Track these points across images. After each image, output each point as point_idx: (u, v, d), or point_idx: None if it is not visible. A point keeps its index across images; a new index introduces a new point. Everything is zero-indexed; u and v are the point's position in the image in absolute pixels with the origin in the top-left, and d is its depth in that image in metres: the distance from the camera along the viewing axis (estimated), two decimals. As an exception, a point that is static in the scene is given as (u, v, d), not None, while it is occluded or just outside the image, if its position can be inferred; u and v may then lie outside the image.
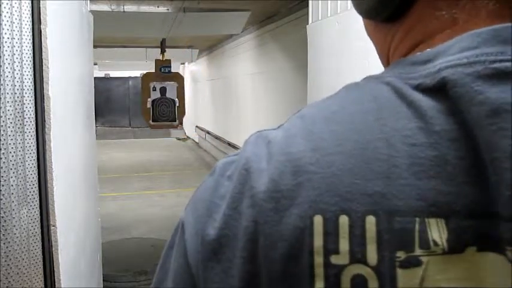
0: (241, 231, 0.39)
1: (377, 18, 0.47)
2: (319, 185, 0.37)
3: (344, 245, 0.35)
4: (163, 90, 11.78)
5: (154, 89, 11.97)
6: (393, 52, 0.47)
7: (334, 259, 0.35)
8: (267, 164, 0.40)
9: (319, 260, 0.36)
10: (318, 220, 0.36)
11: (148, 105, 11.82)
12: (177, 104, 11.67)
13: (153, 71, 10.82)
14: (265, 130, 0.45)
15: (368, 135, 0.37)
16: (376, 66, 0.55)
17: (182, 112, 11.87)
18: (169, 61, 9.96)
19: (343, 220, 0.35)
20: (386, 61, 0.50)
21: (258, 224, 0.38)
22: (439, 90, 0.36)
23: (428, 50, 0.40)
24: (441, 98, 0.36)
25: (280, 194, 0.38)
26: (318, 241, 0.36)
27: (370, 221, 0.35)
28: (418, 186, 0.34)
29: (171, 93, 11.66)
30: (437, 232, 0.34)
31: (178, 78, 11.57)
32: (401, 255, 0.34)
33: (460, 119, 0.35)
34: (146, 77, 11.42)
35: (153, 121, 11.98)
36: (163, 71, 10.91)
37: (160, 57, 9.75)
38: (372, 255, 0.35)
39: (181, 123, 11.52)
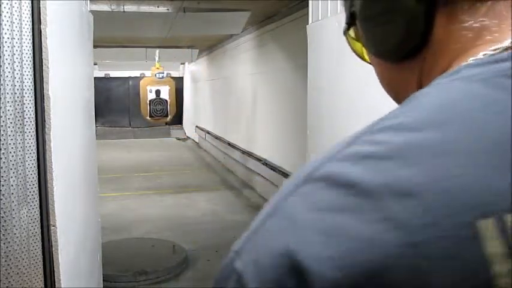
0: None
1: (400, 55, 0.49)
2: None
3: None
4: (158, 92, 15.50)
5: (150, 91, 14.73)
6: (425, 79, 0.48)
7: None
8: None
9: (500, 268, 0.32)
10: (485, 225, 0.33)
11: (146, 104, 15.35)
12: (169, 103, 15.50)
13: (150, 76, 14.79)
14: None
15: (495, 132, 0.36)
16: (376, 66, 0.57)
17: (173, 109, 15.71)
18: (162, 68, 13.89)
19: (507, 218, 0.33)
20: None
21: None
22: None
23: (497, 50, 0.42)
24: None
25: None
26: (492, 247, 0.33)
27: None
28: None
29: (164, 94, 15.51)
30: None
31: (170, 82, 15.61)
32: None
33: None
34: (144, 81, 15.44)
35: (150, 117, 15.67)
36: (158, 76, 14.59)
37: (156, 66, 13.19)
38: None
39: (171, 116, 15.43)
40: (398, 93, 0.53)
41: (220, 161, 10.51)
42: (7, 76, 1.44)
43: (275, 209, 0.37)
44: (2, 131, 1.44)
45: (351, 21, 0.55)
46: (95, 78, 2.89)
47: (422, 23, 0.46)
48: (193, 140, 14.36)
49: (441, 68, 0.46)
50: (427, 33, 0.46)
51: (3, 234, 1.47)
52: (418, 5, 0.45)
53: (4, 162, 1.44)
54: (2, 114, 1.44)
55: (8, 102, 1.45)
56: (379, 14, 0.49)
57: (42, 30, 1.53)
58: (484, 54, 0.42)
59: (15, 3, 1.46)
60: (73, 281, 1.84)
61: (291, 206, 0.36)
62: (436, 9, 0.45)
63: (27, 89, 1.51)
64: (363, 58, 0.60)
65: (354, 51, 0.61)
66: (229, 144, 9.48)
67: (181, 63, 15.85)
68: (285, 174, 6.26)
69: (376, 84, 0.58)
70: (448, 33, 0.45)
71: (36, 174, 1.55)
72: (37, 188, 1.55)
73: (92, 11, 2.58)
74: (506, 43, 0.42)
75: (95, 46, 2.81)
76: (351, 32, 0.57)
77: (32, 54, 1.52)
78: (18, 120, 1.48)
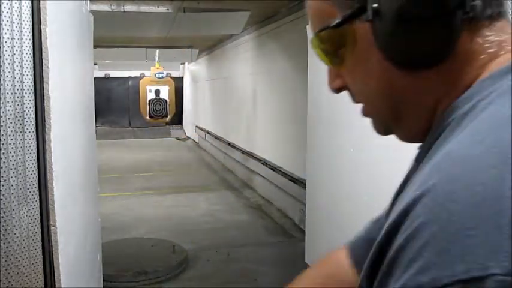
0: None
1: (428, 63, 0.50)
2: None
3: None
4: (157, 92, 15.40)
5: (150, 91, 14.64)
6: (451, 87, 0.50)
7: None
8: None
9: None
10: None
11: (146, 104, 15.30)
12: (169, 103, 15.43)
13: (150, 76, 14.51)
14: None
15: None
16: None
17: (172, 109, 15.58)
18: (162, 68, 13.59)
19: None
20: (430, 105, 0.52)
21: None
22: None
23: None
24: None
25: None
26: None
27: None
28: None
29: (164, 94, 15.41)
30: None
31: (170, 82, 15.43)
32: None
33: None
34: (144, 81, 15.28)
35: (149, 117, 15.56)
36: (158, 76, 14.36)
37: (156, 66, 13.07)
38: None
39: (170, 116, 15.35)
40: (402, 103, 0.53)
41: (220, 161, 10.50)
42: (7, 76, 1.44)
43: None
44: (2, 131, 1.44)
45: (354, 17, 0.52)
46: (95, 78, 2.89)
47: (454, 33, 0.48)
48: (193, 140, 14.36)
49: (470, 76, 0.50)
50: (455, 43, 0.49)
51: (3, 234, 1.47)
52: (454, 17, 0.48)
53: (4, 162, 1.44)
54: (2, 114, 1.44)
55: (8, 102, 1.45)
56: (417, 19, 0.48)
57: (42, 30, 1.53)
58: None
59: (15, 3, 1.46)
60: (73, 281, 1.84)
61: None
62: (464, 23, 0.48)
63: (27, 89, 1.51)
64: (332, 56, 0.57)
65: (323, 47, 0.57)
66: (229, 144, 9.48)
67: (181, 63, 15.85)
68: (285, 174, 6.26)
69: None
70: (474, 46, 0.50)
71: (36, 174, 1.55)
72: (37, 188, 1.55)
73: (92, 11, 2.58)
74: None
75: (95, 46, 2.81)
76: (345, 29, 0.53)
77: (32, 54, 1.52)
78: (18, 120, 1.48)
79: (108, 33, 6.86)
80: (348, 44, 0.54)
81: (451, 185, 0.39)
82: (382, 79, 0.53)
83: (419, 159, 0.54)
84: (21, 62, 1.48)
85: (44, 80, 1.55)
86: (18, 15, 1.47)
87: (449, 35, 0.48)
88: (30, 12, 1.50)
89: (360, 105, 0.60)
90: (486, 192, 0.37)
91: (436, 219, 0.38)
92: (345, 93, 0.63)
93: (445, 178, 0.40)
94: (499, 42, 0.50)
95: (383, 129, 0.59)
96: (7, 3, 1.43)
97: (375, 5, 0.49)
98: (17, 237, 1.49)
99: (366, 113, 0.59)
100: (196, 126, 13.57)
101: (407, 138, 0.58)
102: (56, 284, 1.62)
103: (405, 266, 0.39)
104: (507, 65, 0.48)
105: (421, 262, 0.37)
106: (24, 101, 1.50)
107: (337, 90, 0.61)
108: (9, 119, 1.45)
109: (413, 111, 0.53)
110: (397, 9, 0.48)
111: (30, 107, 1.52)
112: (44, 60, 1.54)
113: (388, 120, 0.57)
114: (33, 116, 1.53)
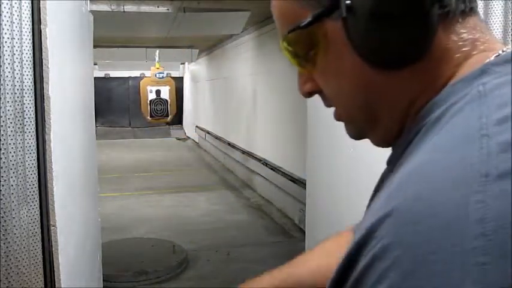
0: None
1: (403, 62, 0.48)
2: None
3: None
4: (158, 92, 15.43)
5: (151, 91, 14.60)
6: (428, 86, 0.48)
7: None
8: None
9: None
10: None
11: (147, 104, 15.39)
12: (169, 103, 15.50)
13: (150, 76, 14.73)
14: None
15: None
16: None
17: (173, 109, 15.66)
18: (162, 68, 13.75)
19: None
20: (404, 106, 0.50)
21: None
22: None
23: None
24: None
25: None
26: None
27: None
28: None
29: (164, 94, 15.45)
30: None
31: (170, 82, 15.48)
32: None
33: None
34: (144, 81, 15.35)
35: (150, 117, 15.61)
36: (158, 76, 14.49)
37: (156, 66, 13.16)
38: None
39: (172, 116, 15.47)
40: (376, 104, 0.51)
41: (220, 161, 10.50)
42: (7, 76, 1.44)
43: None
44: (2, 131, 1.44)
45: (325, 15, 0.49)
46: (95, 78, 2.89)
47: (430, 30, 0.46)
48: (193, 140, 14.35)
49: (444, 76, 0.48)
50: (431, 41, 0.47)
51: (3, 234, 1.47)
52: (431, 12, 0.46)
53: (4, 162, 1.44)
54: (2, 114, 1.44)
55: (8, 102, 1.45)
56: (392, 15, 0.46)
57: (42, 30, 1.53)
58: (496, 56, 0.46)
59: (15, 3, 1.46)
60: (73, 281, 1.83)
61: None
62: (439, 17, 0.47)
63: (27, 89, 1.51)
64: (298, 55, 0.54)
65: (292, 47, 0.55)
66: (229, 144, 9.48)
67: (181, 63, 15.85)
68: (285, 174, 6.26)
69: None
70: (449, 43, 0.48)
71: (36, 174, 1.55)
72: (37, 188, 1.55)
73: (92, 11, 2.58)
74: (505, 49, 0.46)
75: (95, 46, 2.81)
76: (316, 27, 0.51)
77: (32, 54, 1.51)
78: (18, 120, 1.48)
79: (108, 33, 6.86)
80: (319, 44, 0.52)
81: (414, 205, 0.38)
82: (355, 79, 0.51)
83: (392, 163, 0.52)
84: (21, 62, 1.48)
85: (44, 80, 1.55)
86: (18, 15, 1.46)
87: (425, 31, 0.46)
88: (30, 12, 1.50)
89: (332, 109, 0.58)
90: (450, 215, 0.35)
91: (400, 241, 0.37)
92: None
93: (409, 198, 0.39)
94: (472, 41, 0.48)
95: (357, 132, 0.57)
96: (7, 3, 1.43)
97: (348, 1, 0.47)
98: (17, 237, 1.49)
99: (338, 116, 0.57)
100: (196, 126, 13.57)
101: (380, 141, 0.56)
102: (56, 284, 1.62)
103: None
104: (480, 68, 0.45)
105: (386, 284, 0.37)
106: (24, 101, 1.50)
107: (309, 94, 0.58)
108: (9, 119, 1.45)
109: (387, 112, 0.51)
110: (371, 6, 0.46)
111: (30, 107, 1.52)
112: (44, 60, 1.54)
113: (361, 123, 0.55)
114: (33, 116, 1.53)
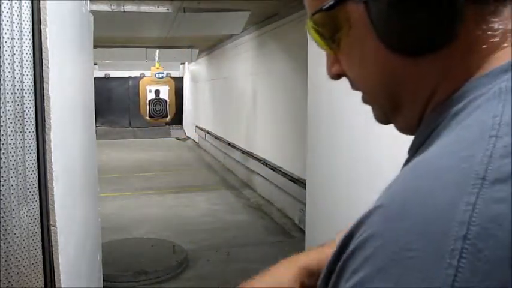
0: None
1: (428, 48, 0.45)
2: None
3: None
4: (157, 92, 15.41)
5: (150, 91, 14.50)
6: (449, 76, 0.46)
7: None
8: None
9: None
10: None
11: (146, 104, 15.38)
12: (169, 103, 15.48)
13: (150, 76, 14.57)
14: None
15: None
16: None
17: (172, 109, 15.63)
18: (162, 68, 13.65)
19: None
20: (426, 95, 0.48)
21: None
22: None
23: None
24: None
25: None
26: None
27: None
28: None
29: (163, 95, 15.43)
30: None
31: (170, 82, 15.48)
32: None
33: None
34: (143, 81, 15.34)
35: (149, 117, 15.57)
36: (158, 76, 14.35)
37: (156, 66, 13.13)
38: None
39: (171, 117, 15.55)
40: (399, 91, 0.49)
41: (220, 161, 10.50)
42: (7, 76, 1.44)
43: None
44: (2, 131, 1.44)
45: None
46: (95, 78, 2.90)
47: (458, 15, 0.43)
48: (193, 140, 14.36)
49: (469, 67, 0.45)
50: (458, 28, 0.44)
51: (3, 234, 1.47)
52: None
53: (4, 162, 1.44)
54: (2, 114, 1.44)
55: (8, 102, 1.45)
56: None
57: (42, 30, 1.53)
58: None
59: (15, 3, 1.46)
60: (73, 281, 1.84)
61: None
62: (467, 6, 0.44)
63: (27, 89, 1.51)
64: (330, 41, 0.53)
65: (320, 33, 0.54)
66: (229, 144, 9.48)
67: (181, 63, 15.85)
68: (285, 174, 6.26)
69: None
70: (478, 33, 0.44)
71: (36, 174, 1.55)
72: (37, 188, 1.55)
73: (92, 11, 2.58)
74: None
75: (95, 46, 2.81)
76: (338, 11, 0.50)
77: (32, 54, 1.52)
78: (18, 120, 1.48)
79: (108, 33, 6.86)
80: (342, 27, 0.50)
81: (406, 199, 0.37)
82: (377, 64, 0.49)
83: (410, 153, 0.51)
84: (21, 62, 1.48)
85: (44, 80, 1.55)
86: (18, 15, 1.46)
87: (451, 17, 0.44)
88: (30, 12, 1.50)
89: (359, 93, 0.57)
90: (436, 213, 0.35)
91: (382, 233, 0.36)
92: (345, 94, 0.62)
93: (404, 191, 0.38)
94: (504, 32, 0.44)
95: (382, 117, 0.56)
96: (7, 3, 1.43)
97: None
98: (17, 237, 1.49)
99: (365, 100, 0.56)
100: (196, 126, 13.57)
101: (403, 128, 0.55)
102: (56, 284, 1.62)
103: (347, 277, 0.38)
104: (508, 62, 0.43)
105: (361, 275, 0.36)
106: (24, 101, 1.50)
107: (336, 76, 0.57)
108: (9, 119, 1.45)
109: (409, 100, 0.50)
110: None
111: (30, 107, 1.52)
112: (44, 60, 1.54)
113: (386, 109, 0.53)
114: (33, 116, 1.53)
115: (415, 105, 0.50)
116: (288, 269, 0.75)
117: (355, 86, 0.55)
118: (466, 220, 0.33)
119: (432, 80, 0.47)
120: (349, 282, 0.37)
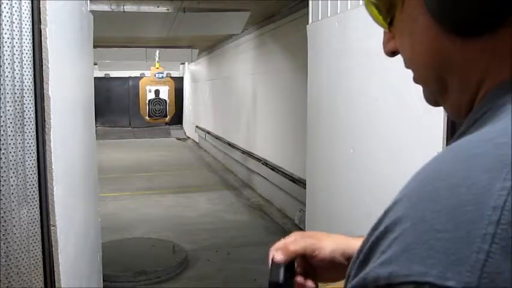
0: None
1: (479, 31, 0.43)
2: None
3: None
4: (157, 92, 15.38)
5: (150, 91, 15.26)
6: (499, 60, 0.43)
7: None
8: None
9: None
10: None
11: (145, 104, 15.36)
12: (168, 103, 15.48)
13: (150, 76, 14.58)
14: None
15: None
16: (376, 67, 0.55)
17: (172, 109, 15.58)
18: (162, 68, 13.68)
19: None
20: (474, 81, 0.46)
21: None
22: None
23: None
24: None
25: None
26: None
27: None
28: None
29: (163, 95, 15.39)
30: None
31: (170, 82, 15.46)
32: None
33: None
34: (143, 81, 15.31)
35: (148, 117, 15.57)
36: (158, 76, 14.38)
37: (156, 66, 13.15)
38: None
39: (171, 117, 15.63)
40: (447, 72, 0.48)
41: (220, 161, 10.50)
42: (7, 76, 1.44)
43: None
44: (2, 131, 1.44)
45: None
46: (95, 78, 2.90)
47: None
48: (193, 140, 14.36)
49: None
50: None
51: (3, 234, 1.47)
52: None
53: (4, 162, 1.44)
54: (2, 114, 1.44)
55: (8, 102, 1.45)
56: None
57: (42, 30, 1.53)
58: None
59: (15, 3, 1.46)
60: (73, 281, 1.84)
61: None
62: None
63: (27, 89, 1.51)
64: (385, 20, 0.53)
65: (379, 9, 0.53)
66: (229, 144, 9.48)
67: (181, 63, 15.85)
68: (285, 174, 6.26)
69: (376, 83, 0.56)
70: None
71: (36, 174, 1.55)
72: (37, 188, 1.55)
73: (92, 11, 2.58)
74: None
75: (95, 46, 2.81)
76: None
77: (32, 54, 1.52)
78: (18, 120, 1.48)
79: (108, 33, 6.86)
80: (397, 3, 0.50)
81: (438, 181, 0.37)
82: (428, 43, 0.48)
83: (452, 141, 0.49)
84: (21, 62, 1.48)
85: (44, 80, 1.55)
86: (18, 15, 1.46)
87: None
88: (30, 12, 1.50)
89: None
90: (468, 196, 0.34)
91: (411, 215, 0.36)
92: (345, 94, 0.62)
93: (436, 173, 0.38)
94: None
95: (431, 99, 0.54)
96: (7, 3, 1.43)
97: None
98: (17, 237, 1.49)
99: (415, 80, 0.54)
100: (196, 126, 13.57)
101: (451, 114, 0.53)
102: (56, 284, 1.62)
103: (376, 258, 0.38)
104: None
105: (387, 255, 0.36)
106: (24, 101, 1.50)
107: (391, 54, 0.56)
108: (9, 119, 1.45)
109: (457, 84, 0.48)
110: None
111: (30, 107, 1.52)
112: (44, 60, 1.54)
113: (434, 91, 0.52)
114: (33, 116, 1.53)
115: (463, 90, 0.48)
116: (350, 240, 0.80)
117: (407, 64, 0.54)
118: (499, 205, 0.33)
119: (482, 65, 0.45)
120: (375, 262, 0.37)
